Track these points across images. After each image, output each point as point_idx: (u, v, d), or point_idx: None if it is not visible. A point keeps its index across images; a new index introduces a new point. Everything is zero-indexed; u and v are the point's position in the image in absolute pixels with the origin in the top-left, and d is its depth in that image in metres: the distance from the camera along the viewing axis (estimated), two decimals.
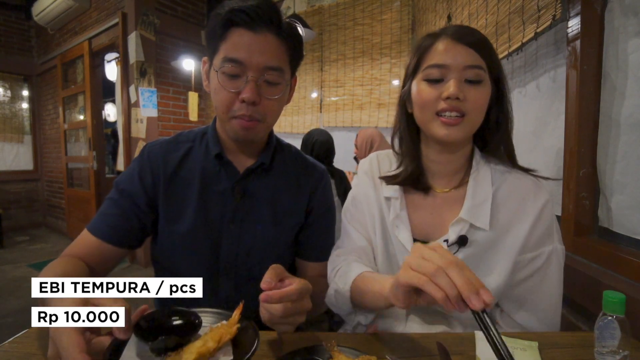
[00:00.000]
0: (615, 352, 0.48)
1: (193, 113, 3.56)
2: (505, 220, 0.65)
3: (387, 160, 0.80)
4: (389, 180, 0.74)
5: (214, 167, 0.77)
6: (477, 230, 0.65)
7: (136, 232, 0.75)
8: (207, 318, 0.53)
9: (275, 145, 0.83)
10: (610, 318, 0.49)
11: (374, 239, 0.75)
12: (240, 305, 0.53)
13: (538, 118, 1.14)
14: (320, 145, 1.96)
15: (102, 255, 0.72)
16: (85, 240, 0.72)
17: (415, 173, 0.72)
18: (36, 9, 4.08)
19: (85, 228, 0.73)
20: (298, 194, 0.82)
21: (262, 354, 0.54)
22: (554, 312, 0.66)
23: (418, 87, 0.67)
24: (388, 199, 0.74)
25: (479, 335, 0.57)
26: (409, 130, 0.73)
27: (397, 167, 0.76)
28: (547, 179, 0.69)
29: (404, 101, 0.73)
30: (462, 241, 0.65)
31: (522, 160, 0.73)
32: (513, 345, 0.55)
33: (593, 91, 0.88)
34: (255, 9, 0.65)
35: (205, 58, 0.74)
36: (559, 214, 0.99)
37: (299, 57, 0.76)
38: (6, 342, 0.57)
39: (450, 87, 0.61)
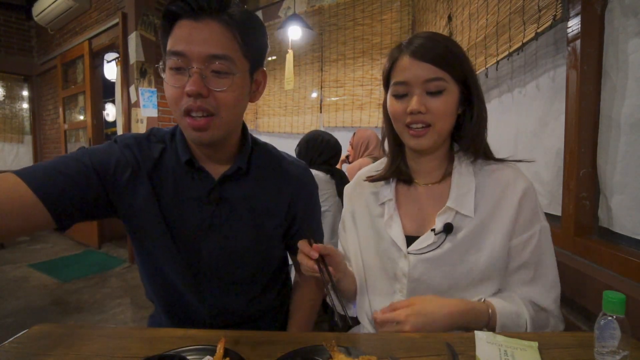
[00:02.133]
0: (615, 352, 0.48)
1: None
2: (489, 207, 0.70)
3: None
4: (377, 179, 0.81)
5: (186, 173, 0.72)
6: (463, 217, 0.70)
7: (76, 200, 0.63)
8: (192, 356, 0.53)
9: (251, 147, 0.78)
10: (610, 318, 0.48)
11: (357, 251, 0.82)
12: (223, 339, 0.53)
13: (538, 118, 1.14)
14: (332, 146, 1.91)
15: (13, 202, 0.56)
16: (3, 178, 0.57)
17: (399, 165, 0.79)
18: (36, 9, 4.09)
19: (12, 172, 0.59)
20: (277, 197, 0.79)
21: (262, 354, 0.54)
22: (556, 281, 0.70)
23: (390, 101, 0.73)
24: (382, 204, 0.79)
25: (479, 335, 0.57)
26: (392, 134, 0.79)
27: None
28: (520, 161, 0.74)
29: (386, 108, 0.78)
30: (448, 229, 0.70)
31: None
32: (513, 345, 0.55)
33: (593, 91, 0.88)
34: None
35: None
36: (559, 214, 0.99)
37: (256, 46, 0.68)
38: (6, 342, 0.57)
39: (412, 103, 0.68)
